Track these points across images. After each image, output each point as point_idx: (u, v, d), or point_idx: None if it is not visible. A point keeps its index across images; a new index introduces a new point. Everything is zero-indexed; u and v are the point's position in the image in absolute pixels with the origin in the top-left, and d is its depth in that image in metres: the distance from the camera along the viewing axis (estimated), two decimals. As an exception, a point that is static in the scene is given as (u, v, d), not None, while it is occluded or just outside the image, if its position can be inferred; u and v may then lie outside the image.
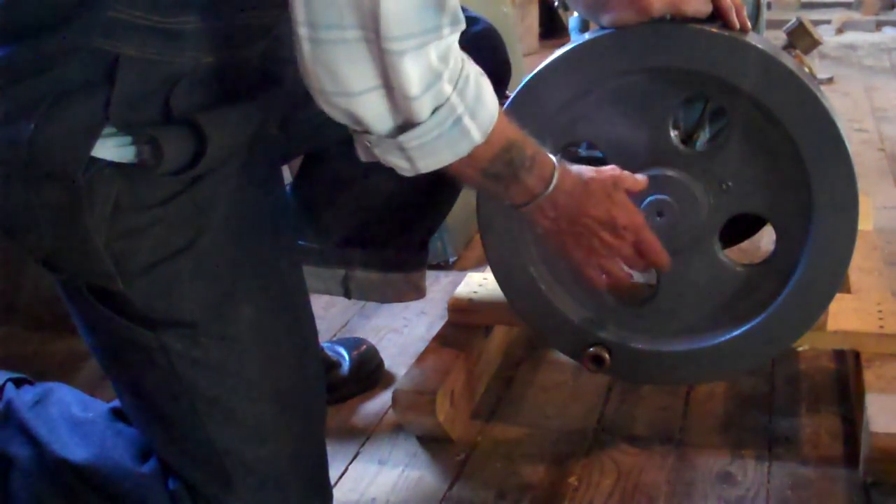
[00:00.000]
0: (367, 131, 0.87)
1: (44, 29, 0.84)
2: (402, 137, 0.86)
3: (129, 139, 0.89)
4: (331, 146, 1.26)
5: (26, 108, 0.85)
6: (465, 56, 0.88)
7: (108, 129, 0.87)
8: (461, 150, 0.90)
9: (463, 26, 0.85)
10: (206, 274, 0.94)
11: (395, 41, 0.80)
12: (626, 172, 1.07)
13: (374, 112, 0.85)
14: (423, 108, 0.85)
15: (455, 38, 0.85)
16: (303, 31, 0.81)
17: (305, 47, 0.82)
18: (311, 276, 1.27)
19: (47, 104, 0.85)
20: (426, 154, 0.89)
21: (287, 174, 1.57)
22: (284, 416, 1.00)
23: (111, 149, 0.88)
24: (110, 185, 0.88)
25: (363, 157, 0.93)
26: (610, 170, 1.06)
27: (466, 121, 0.88)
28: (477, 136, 0.90)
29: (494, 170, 0.95)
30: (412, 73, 0.82)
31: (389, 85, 0.83)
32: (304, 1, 0.80)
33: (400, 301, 1.42)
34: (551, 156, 1.00)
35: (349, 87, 0.83)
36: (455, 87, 0.86)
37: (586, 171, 1.04)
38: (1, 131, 0.86)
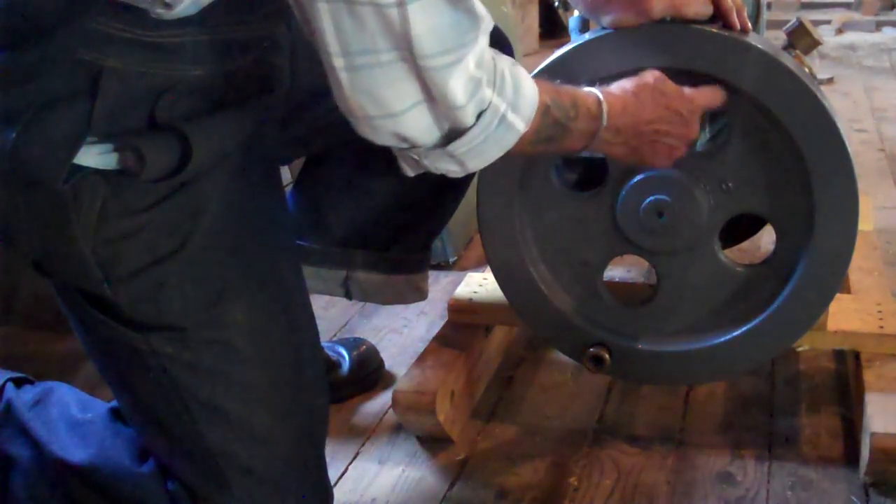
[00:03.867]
0: (413, 146, 0.88)
1: (28, 39, 0.84)
2: (452, 146, 0.87)
3: (111, 146, 0.88)
4: (334, 147, 1.26)
5: (9, 117, 0.85)
6: (494, 52, 0.88)
7: (90, 137, 0.87)
8: (508, 143, 0.91)
9: (491, 26, 0.85)
10: (194, 278, 0.94)
11: (432, 58, 0.80)
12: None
13: (420, 127, 0.85)
14: (468, 116, 0.86)
15: (486, 39, 0.85)
16: (338, 62, 0.80)
17: (343, 77, 0.81)
18: (311, 277, 1.27)
19: (30, 113, 0.85)
20: (476, 155, 0.89)
21: (287, 175, 1.57)
22: (280, 417, 1.00)
23: (94, 156, 0.88)
24: (96, 191, 0.88)
25: (410, 171, 0.93)
26: (648, 73, 1.06)
27: (510, 116, 0.89)
28: (521, 126, 0.90)
29: (544, 135, 0.95)
30: (455, 84, 0.82)
31: (432, 98, 0.83)
32: (333, 32, 0.79)
33: (401, 303, 1.42)
34: (591, 90, 1.00)
35: (392, 108, 0.83)
36: (494, 88, 0.87)
37: (627, 84, 1.04)
38: None
